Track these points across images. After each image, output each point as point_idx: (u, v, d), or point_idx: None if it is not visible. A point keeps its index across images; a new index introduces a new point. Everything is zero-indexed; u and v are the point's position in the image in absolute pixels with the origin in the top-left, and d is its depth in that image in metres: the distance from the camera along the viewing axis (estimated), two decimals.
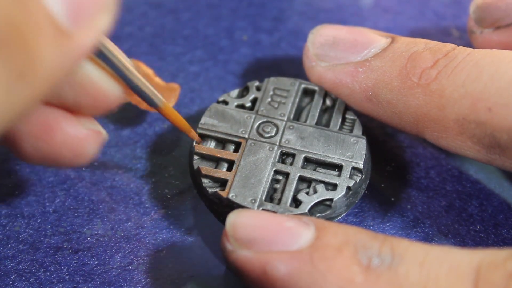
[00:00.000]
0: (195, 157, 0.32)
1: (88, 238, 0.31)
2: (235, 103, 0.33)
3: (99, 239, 0.31)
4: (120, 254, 0.31)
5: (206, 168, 0.31)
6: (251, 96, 0.33)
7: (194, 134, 0.32)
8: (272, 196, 0.31)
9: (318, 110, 0.33)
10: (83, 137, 0.27)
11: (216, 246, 0.31)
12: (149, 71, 0.35)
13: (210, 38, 0.39)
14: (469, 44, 0.33)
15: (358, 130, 0.32)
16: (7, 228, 0.32)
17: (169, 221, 0.32)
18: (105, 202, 0.32)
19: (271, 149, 0.31)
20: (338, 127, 0.32)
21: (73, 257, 0.31)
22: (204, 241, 0.31)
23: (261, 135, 0.32)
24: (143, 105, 0.34)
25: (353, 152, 0.31)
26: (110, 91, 0.27)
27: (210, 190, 0.30)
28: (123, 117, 0.35)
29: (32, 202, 0.32)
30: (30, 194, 0.33)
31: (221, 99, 0.33)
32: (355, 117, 0.33)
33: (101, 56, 0.26)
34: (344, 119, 0.33)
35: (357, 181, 0.31)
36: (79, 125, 0.27)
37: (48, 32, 0.21)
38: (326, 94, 0.33)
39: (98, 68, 0.27)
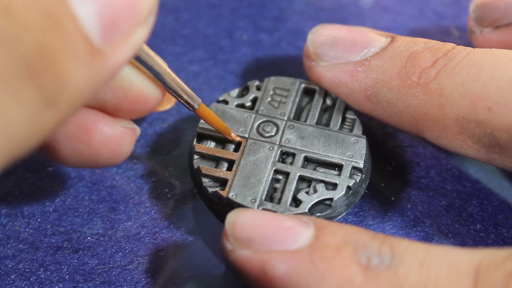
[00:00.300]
0: (195, 156, 0.32)
1: (88, 238, 0.31)
2: (235, 103, 0.33)
3: (99, 238, 0.31)
4: (120, 254, 0.31)
5: (206, 167, 0.31)
6: (251, 96, 0.33)
7: (230, 133, 0.32)
8: (272, 196, 0.31)
9: (318, 109, 0.33)
10: (120, 136, 0.28)
11: (216, 246, 0.31)
12: None
13: (210, 38, 0.39)
14: (469, 44, 0.33)
15: (358, 129, 0.32)
16: (7, 228, 0.32)
17: (169, 221, 0.32)
18: (105, 202, 0.33)
19: (271, 148, 0.31)
20: (338, 127, 0.32)
21: (73, 257, 0.31)
22: (204, 241, 0.31)
23: (261, 135, 0.32)
24: None
25: (353, 151, 0.31)
26: (150, 94, 0.27)
27: (210, 190, 0.31)
28: None
29: (32, 201, 0.32)
30: (30, 193, 0.33)
31: (221, 98, 0.33)
32: (355, 117, 0.33)
33: (139, 60, 0.26)
34: (344, 119, 0.33)
35: (357, 181, 0.31)
36: (115, 123, 0.27)
37: (81, 52, 0.21)
38: (326, 94, 0.33)
39: (137, 71, 0.27)
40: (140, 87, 0.27)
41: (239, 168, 0.31)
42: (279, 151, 0.31)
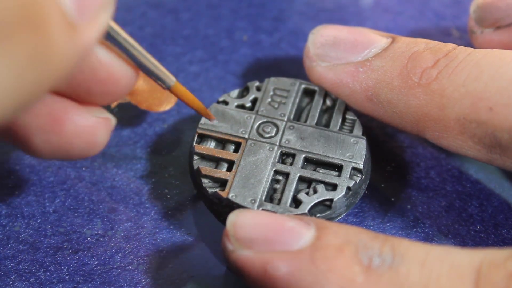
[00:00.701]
0: (195, 157, 0.32)
1: (88, 238, 0.31)
2: (235, 103, 0.33)
3: (99, 239, 0.31)
4: (120, 254, 0.31)
5: (206, 168, 0.31)
6: (251, 96, 0.33)
7: (207, 113, 0.32)
8: (272, 196, 0.31)
9: (318, 110, 0.33)
10: (93, 125, 0.27)
11: (216, 246, 0.31)
12: None
13: (210, 38, 0.39)
14: (469, 44, 0.33)
15: (358, 130, 0.32)
16: (7, 228, 0.32)
17: (169, 221, 0.32)
18: (105, 202, 0.32)
19: (271, 149, 0.31)
20: (338, 128, 0.32)
21: (73, 257, 0.31)
22: (204, 241, 0.31)
23: (261, 135, 0.32)
24: (143, 105, 0.34)
25: (353, 152, 0.31)
26: (122, 74, 0.27)
27: (210, 190, 0.30)
28: (123, 117, 0.35)
29: (32, 202, 0.32)
30: (30, 194, 0.33)
31: (221, 99, 0.33)
32: (355, 118, 0.33)
33: (110, 38, 0.26)
34: (344, 119, 0.33)
35: (357, 182, 0.31)
36: (88, 113, 0.27)
37: (59, 21, 0.21)
38: (326, 94, 0.33)
39: (108, 51, 0.26)
40: (110, 67, 0.27)
41: (239, 168, 0.31)
42: (279, 151, 0.31)
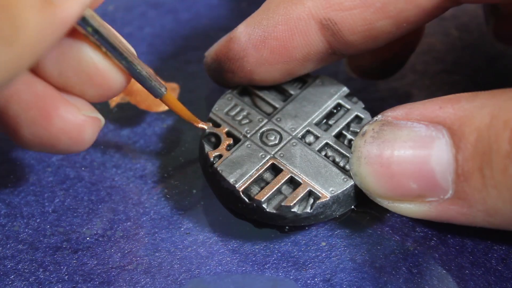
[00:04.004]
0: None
1: (88, 238, 0.31)
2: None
3: (98, 239, 0.31)
4: (119, 254, 0.31)
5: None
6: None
7: (198, 122, 0.32)
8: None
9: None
10: (81, 123, 0.28)
11: (216, 246, 0.31)
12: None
13: (210, 38, 0.39)
14: (469, 45, 0.33)
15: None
16: (7, 228, 0.32)
17: (169, 221, 0.32)
18: (105, 202, 0.33)
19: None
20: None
21: (73, 257, 0.31)
22: (204, 241, 0.31)
23: (263, 141, 0.32)
24: (143, 105, 0.34)
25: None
26: (114, 79, 0.28)
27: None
28: (123, 117, 0.35)
29: (31, 202, 0.32)
30: (30, 194, 0.33)
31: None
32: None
33: (105, 44, 0.27)
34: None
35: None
36: (77, 111, 0.28)
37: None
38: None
39: (103, 56, 0.27)
40: (104, 72, 0.27)
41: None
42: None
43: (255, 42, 0.31)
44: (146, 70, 0.28)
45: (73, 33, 0.26)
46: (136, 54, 0.28)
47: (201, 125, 0.32)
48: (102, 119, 0.29)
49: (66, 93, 0.28)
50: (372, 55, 0.34)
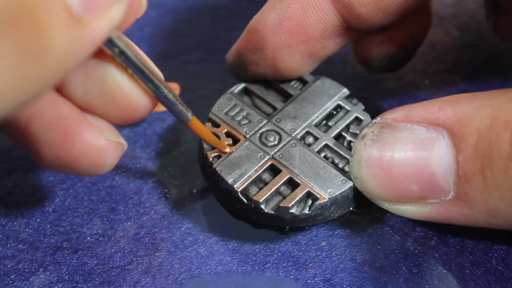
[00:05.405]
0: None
1: (88, 238, 0.31)
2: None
3: (99, 238, 0.31)
4: (119, 254, 0.31)
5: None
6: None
7: (225, 147, 0.32)
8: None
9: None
10: (102, 148, 0.27)
11: (216, 245, 0.31)
12: None
13: (210, 38, 0.39)
14: (469, 45, 0.33)
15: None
16: (7, 228, 0.32)
17: (169, 221, 0.32)
18: (105, 202, 0.33)
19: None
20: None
21: (73, 257, 0.31)
22: (204, 241, 0.31)
23: (262, 142, 0.32)
24: None
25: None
26: (139, 102, 0.27)
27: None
28: None
29: (31, 201, 0.32)
30: (30, 194, 0.33)
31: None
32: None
33: (131, 66, 0.26)
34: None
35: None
36: (99, 135, 0.27)
37: (60, 16, 0.21)
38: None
39: (129, 79, 0.27)
40: (130, 95, 0.27)
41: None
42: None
43: (272, 27, 0.31)
44: (172, 93, 0.28)
45: (99, 53, 0.26)
46: (163, 78, 0.28)
47: (228, 149, 0.32)
48: (125, 144, 0.28)
49: (89, 114, 0.27)
50: (379, 47, 0.34)
